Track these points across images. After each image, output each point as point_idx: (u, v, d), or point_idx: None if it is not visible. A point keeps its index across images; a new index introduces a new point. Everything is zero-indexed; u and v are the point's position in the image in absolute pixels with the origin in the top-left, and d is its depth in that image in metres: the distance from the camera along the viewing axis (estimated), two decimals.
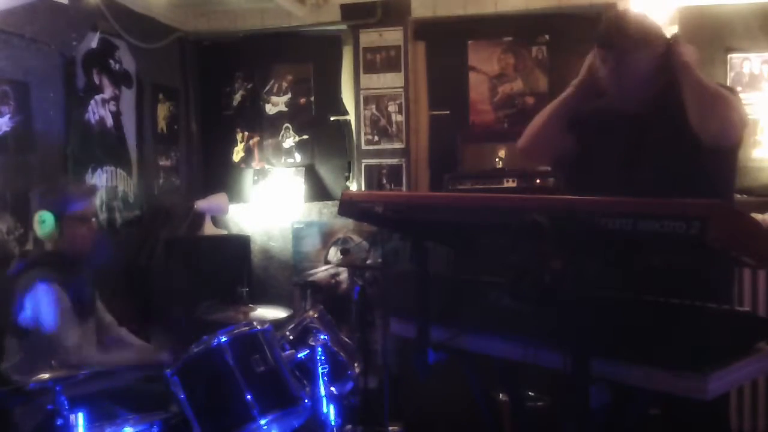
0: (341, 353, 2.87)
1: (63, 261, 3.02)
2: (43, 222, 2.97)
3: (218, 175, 5.38)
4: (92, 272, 3.22)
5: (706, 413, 2.08)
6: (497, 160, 4.48)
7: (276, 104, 5.28)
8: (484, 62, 4.85)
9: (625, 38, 2.29)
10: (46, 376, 2.29)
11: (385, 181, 4.91)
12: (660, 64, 2.31)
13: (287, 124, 5.25)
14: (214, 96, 5.38)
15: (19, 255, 3.47)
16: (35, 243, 3.56)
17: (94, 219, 3.17)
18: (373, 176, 4.93)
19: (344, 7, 4.86)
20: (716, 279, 2.17)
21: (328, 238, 4.96)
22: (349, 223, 4.77)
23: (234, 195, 5.27)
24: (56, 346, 2.80)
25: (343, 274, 4.49)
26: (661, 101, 2.33)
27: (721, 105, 2.19)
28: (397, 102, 4.85)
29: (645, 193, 1.57)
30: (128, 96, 4.53)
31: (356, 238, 4.80)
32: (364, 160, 4.95)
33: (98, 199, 4.03)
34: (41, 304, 2.84)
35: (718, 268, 2.17)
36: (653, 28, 2.34)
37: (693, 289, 1.66)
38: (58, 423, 2.21)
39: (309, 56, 5.19)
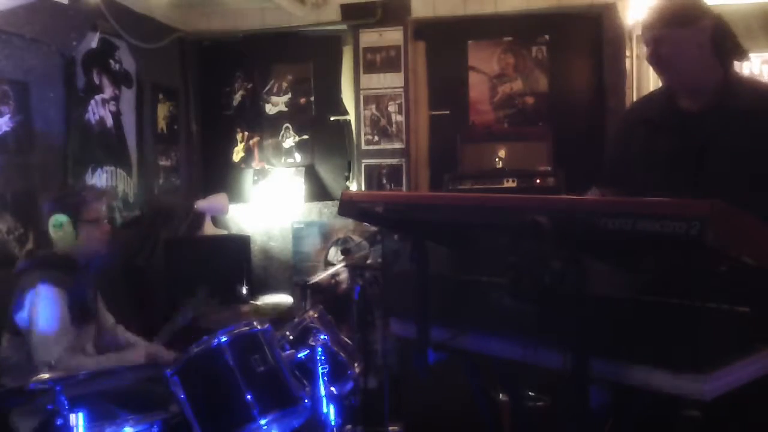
0: (341, 353, 2.86)
1: (70, 264, 3.00)
2: (60, 225, 2.95)
3: (218, 175, 5.38)
4: (94, 274, 3.20)
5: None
6: (497, 160, 4.47)
7: (276, 104, 5.27)
8: (484, 62, 4.85)
9: (659, 16, 2.17)
10: (46, 376, 2.29)
11: (385, 181, 4.91)
12: (703, 43, 2.15)
13: (287, 124, 5.25)
14: (214, 96, 5.38)
15: (26, 254, 3.46)
16: (37, 243, 3.57)
17: (106, 221, 3.14)
18: (373, 176, 4.93)
19: (344, 7, 4.87)
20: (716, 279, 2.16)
21: (328, 238, 4.96)
22: (349, 223, 4.77)
23: (234, 195, 5.27)
24: (48, 349, 2.75)
25: (343, 274, 4.49)
26: (717, 101, 2.20)
27: None
28: (397, 102, 4.85)
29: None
30: (128, 96, 4.53)
31: (356, 238, 4.80)
32: (364, 160, 4.95)
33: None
34: (39, 305, 2.81)
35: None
36: (693, 5, 2.19)
37: (692, 289, 1.65)
38: (58, 423, 2.21)
39: (309, 56, 5.19)
